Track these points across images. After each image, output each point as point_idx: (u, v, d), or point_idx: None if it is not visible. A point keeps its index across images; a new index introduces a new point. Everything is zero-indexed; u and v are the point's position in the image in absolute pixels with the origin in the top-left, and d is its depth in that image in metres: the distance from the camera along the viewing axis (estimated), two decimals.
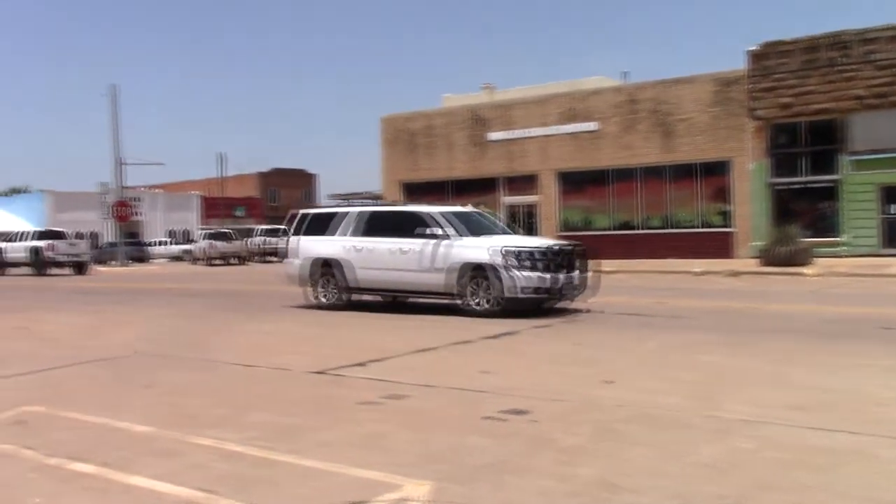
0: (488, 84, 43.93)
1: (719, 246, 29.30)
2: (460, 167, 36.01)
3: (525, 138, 34.09)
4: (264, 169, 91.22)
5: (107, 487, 4.90)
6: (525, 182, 34.25)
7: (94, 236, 61.78)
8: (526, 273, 12.87)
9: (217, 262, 45.67)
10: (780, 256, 23.79)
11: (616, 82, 37.74)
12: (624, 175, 31.81)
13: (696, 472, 4.92)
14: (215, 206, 75.84)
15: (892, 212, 27.25)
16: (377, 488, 4.73)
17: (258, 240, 49.15)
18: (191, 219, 76.22)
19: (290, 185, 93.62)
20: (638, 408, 6.54)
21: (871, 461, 5.08)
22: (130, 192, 52.85)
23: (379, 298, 15.72)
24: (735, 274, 22.66)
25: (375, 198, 46.45)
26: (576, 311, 13.85)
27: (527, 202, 34.38)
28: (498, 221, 16.65)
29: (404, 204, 17.38)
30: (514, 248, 13.16)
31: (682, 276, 23.35)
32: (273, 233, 50.35)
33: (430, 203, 16.51)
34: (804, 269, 22.47)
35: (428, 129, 37.07)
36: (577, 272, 13.66)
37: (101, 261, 49.75)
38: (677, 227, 30.86)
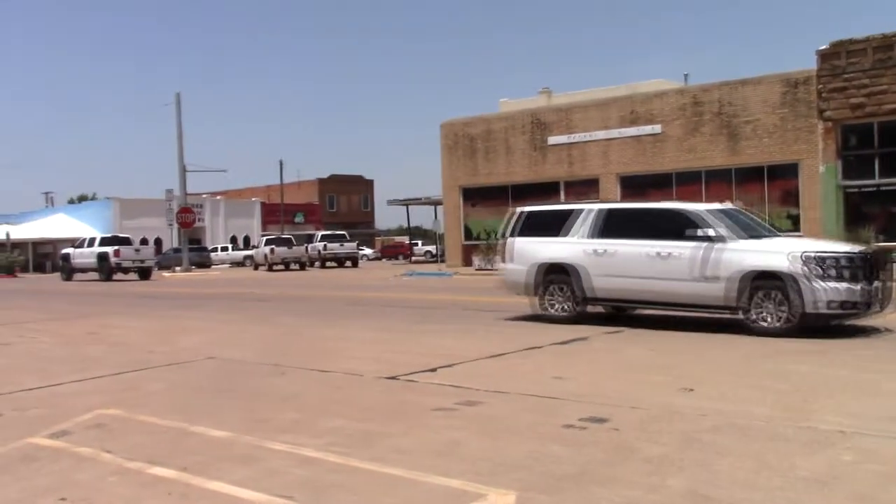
0: (546, 88, 43.73)
1: None
2: (520, 172, 35.78)
3: (586, 142, 33.71)
4: (322, 175, 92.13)
5: (187, 493, 4.86)
6: (586, 186, 33.85)
7: (157, 242, 63.10)
8: (832, 284, 10.62)
9: (278, 267, 46.17)
10: None
11: (676, 84, 37.11)
12: (688, 178, 31.20)
13: (795, 485, 4.68)
14: (275, 213, 76.85)
15: None
16: (461, 498, 4.61)
17: (318, 245, 49.55)
18: (251, 225, 77.38)
19: (347, 192, 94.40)
20: (723, 417, 6.29)
21: None
22: (193, 199, 53.72)
23: (600, 309, 13.80)
24: None
25: (435, 203, 46.48)
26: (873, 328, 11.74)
27: None
28: (761, 221, 14.20)
29: (655, 201, 15.22)
30: (818, 254, 10.86)
31: None
32: (334, 238, 50.74)
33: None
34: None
35: (487, 134, 36.93)
36: (879, 282, 11.15)
37: (164, 266, 50.74)
38: None
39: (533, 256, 13.49)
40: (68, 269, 41.18)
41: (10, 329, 14.95)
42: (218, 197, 79.63)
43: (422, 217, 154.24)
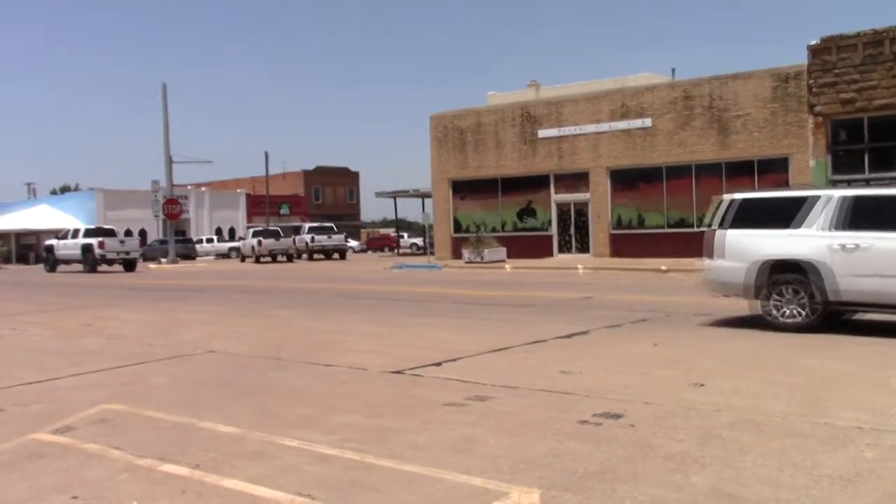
0: (534, 81, 43.58)
1: None
2: (510, 165, 35.68)
3: (576, 135, 33.64)
4: (308, 167, 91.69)
5: (201, 491, 4.76)
6: (576, 180, 33.80)
7: (142, 234, 62.63)
8: None
9: (265, 259, 45.89)
10: None
11: (664, 79, 37.11)
12: (678, 172, 31.21)
13: (820, 483, 4.63)
14: (260, 204, 76.37)
15: None
16: (484, 496, 4.53)
17: (306, 237, 49.26)
18: (236, 216, 76.90)
19: (333, 184, 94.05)
20: (739, 413, 6.24)
21: None
22: (178, 191, 53.26)
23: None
24: None
25: (424, 195, 46.30)
26: None
27: (577, 200, 33.93)
28: None
29: None
30: None
31: None
32: (321, 230, 50.47)
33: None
34: None
35: (477, 127, 36.79)
36: None
37: (150, 258, 50.33)
38: None
39: (755, 252, 11.34)
40: (52, 261, 40.80)
41: (2, 321, 14.74)
42: (203, 188, 78.98)
43: (407, 210, 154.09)
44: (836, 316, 11.27)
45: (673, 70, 41.36)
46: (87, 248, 37.99)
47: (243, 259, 49.21)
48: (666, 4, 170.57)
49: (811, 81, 27.74)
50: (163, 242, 51.75)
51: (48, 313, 16.47)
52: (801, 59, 28.39)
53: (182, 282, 27.94)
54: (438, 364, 8.71)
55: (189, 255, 55.79)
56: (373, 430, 5.99)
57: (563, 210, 34.50)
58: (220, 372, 8.74)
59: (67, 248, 39.59)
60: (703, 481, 4.70)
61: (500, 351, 9.62)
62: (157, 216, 48.00)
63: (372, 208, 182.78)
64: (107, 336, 12.16)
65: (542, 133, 34.59)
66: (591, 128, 33.20)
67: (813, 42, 27.77)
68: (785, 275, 11.06)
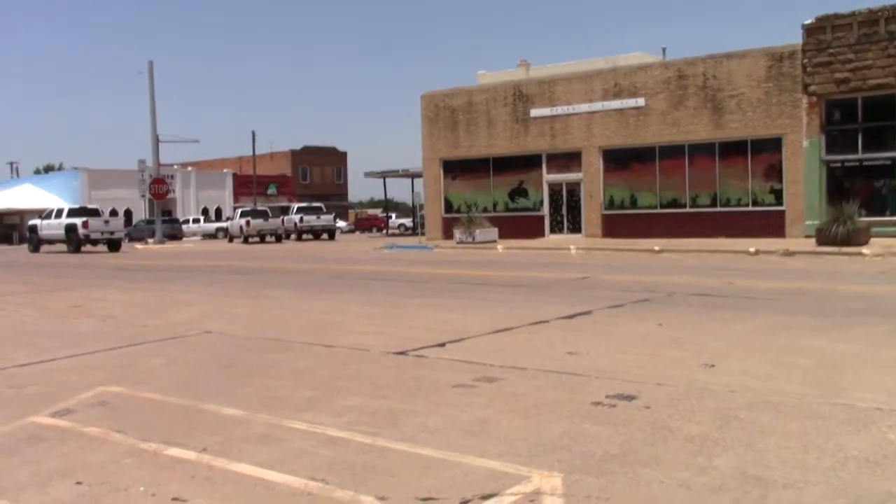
0: (524, 60, 43.19)
1: (770, 225, 28.57)
2: (501, 144, 35.46)
3: (569, 115, 33.44)
4: (295, 146, 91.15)
5: (210, 475, 4.59)
6: (568, 159, 33.64)
7: (128, 214, 62.10)
8: None
9: (254, 239, 45.60)
10: (837, 236, 23.08)
11: (654, 58, 36.90)
12: (671, 152, 31.10)
13: (846, 465, 4.50)
14: (247, 184, 75.92)
15: None
16: (504, 480, 4.38)
17: (294, 217, 48.93)
18: (223, 196, 76.44)
19: (321, 163, 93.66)
20: (754, 394, 6.11)
21: None
22: (164, 170, 52.78)
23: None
24: (790, 254, 22.02)
25: (413, 175, 46.04)
26: None
27: (570, 180, 33.79)
28: None
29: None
30: None
31: (736, 255, 22.73)
32: (310, 211, 50.13)
33: None
34: (862, 249, 21.78)
35: (469, 106, 36.51)
36: None
37: (136, 238, 49.93)
38: (727, 206, 30.13)
39: None
40: (36, 241, 40.39)
41: None
42: (189, 168, 78.39)
43: (394, 190, 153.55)
44: None
45: (664, 49, 41.17)
46: (70, 228, 37.59)
47: (231, 239, 48.90)
48: None
49: (805, 61, 27.63)
50: (149, 222, 51.35)
51: (36, 294, 16.21)
52: (795, 39, 28.27)
53: (170, 262, 27.66)
54: (442, 345, 8.55)
55: (175, 235, 55.45)
56: (382, 413, 5.83)
57: (554, 190, 34.36)
58: (217, 353, 8.55)
59: (51, 228, 39.18)
60: (727, 464, 4.57)
61: (502, 332, 9.46)
62: (143, 196, 47.58)
63: (359, 188, 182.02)
64: (98, 317, 11.93)
65: (534, 112, 34.37)
66: (583, 107, 33.02)
67: (808, 21, 27.63)
68: None
